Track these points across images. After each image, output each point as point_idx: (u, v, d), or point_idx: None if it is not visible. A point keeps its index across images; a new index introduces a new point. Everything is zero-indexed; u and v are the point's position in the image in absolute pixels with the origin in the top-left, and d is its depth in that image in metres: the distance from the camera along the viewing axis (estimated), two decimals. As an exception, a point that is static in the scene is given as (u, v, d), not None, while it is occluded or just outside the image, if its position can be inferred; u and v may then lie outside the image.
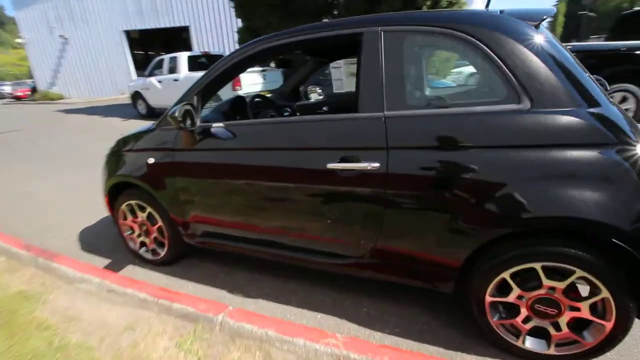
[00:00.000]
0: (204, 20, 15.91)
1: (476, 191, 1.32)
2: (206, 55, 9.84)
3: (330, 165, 1.52)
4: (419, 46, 1.46)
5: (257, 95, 2.44)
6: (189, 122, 1.76)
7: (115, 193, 2.30)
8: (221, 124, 1.80)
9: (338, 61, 2.86)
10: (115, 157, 2.28)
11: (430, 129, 1.38)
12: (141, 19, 17.03)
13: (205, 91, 1.87)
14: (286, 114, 2.73)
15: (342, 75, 2.85)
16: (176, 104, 1.86)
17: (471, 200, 1.33)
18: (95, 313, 1.79)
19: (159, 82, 9.34)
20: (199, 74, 9.10)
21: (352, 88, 2.97)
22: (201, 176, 1.89)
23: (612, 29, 6.33)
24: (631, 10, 6.50)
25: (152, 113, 9.88)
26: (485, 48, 1.32)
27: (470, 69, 10.55)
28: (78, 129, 8.75)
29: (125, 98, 12.73)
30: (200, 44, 16.12)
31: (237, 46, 12.66)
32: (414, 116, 1.42)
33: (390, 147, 1.43)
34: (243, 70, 1.93)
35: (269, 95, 3.00)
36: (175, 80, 8.89)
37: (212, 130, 1.81)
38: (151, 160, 2.01)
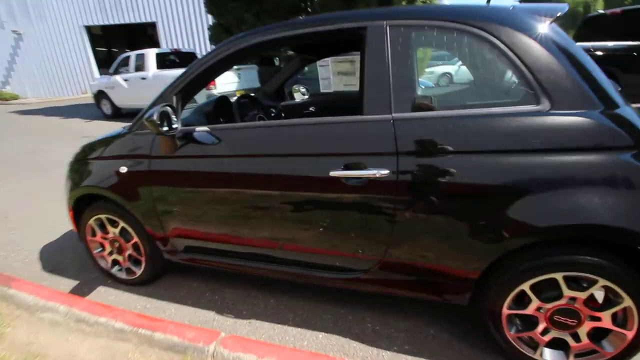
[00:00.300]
0: (172, 16, 15.23)
1: (495, 198, 1.23)
2: (176, 52, 9.37)
3: (334, 173, 1.37)
4: (426, 42, 1.35)
5: (243, 95, 2.25)
6: (168, 125, 1.55)
7: (81, 206, 2.04)
8: (206, 128, 1.61)
9: (325, 59, 2.71)
10: (81, 166, 2.03)
11: (443, 131, 1.27)
12: (103, 14, 16.07)
13: (185, 91, 1.67)
14: (272, 114, 2.55)
15: (330, 73, 2.72)
16: (151, 105, 1.65)
17: (491, 208, 1.23)
18: (62, 347, 1.55)
19: (125, 80, 8.80)
20: (169, 72, 8.72)
21: (340, 87, 2.85)
22: (183, 186, 1.69)
23: (577, 31, 6.59)
24: (594, 14, 6.80)
25: (118, 113, 9.34)
26: (503, 46, 1.23)
27: (443, 69, 10.81)
28: (34, 131, 8.08)
29: (88, 97, 11.96)
30: (169, 41, 15.43)
31: (208, 43, 12.26)
32: (425, 118, 1.30)
33: (400, 152, 1.31)
34: (228, 67, 1.74)
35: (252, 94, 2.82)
36: (143, 78, 8.41)
37: (196, 134, 1.62)
38: (124, 169, 1.78)
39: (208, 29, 10.47)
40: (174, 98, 1.65)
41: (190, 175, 1.65)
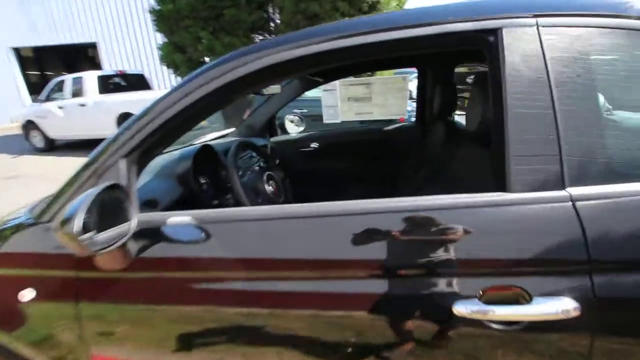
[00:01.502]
0: (115, 36, 13.92)
1: None
2: (122, 75, 8.31)
3: (463, 310, 0.70)
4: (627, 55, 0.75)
5: (243, 143, 1.48)
6: (106, 224, 0.78)
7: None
8: (186, 218, 0.85)
9: (333, 82, 2.08)
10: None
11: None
12: (34, 35, 14.37)
13: (147, 148, 0.91)
14: (263, 163, 1.80)
15: (337, 100, 2.09)
16: (68, 186, 0.88)
17: None
18: None
19: (60, 108, 7.56)
20: (113, 97, 7.60)
21: (351, 117, 2.21)
22: (146, 327, 0.91)
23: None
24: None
25: (52, 146, 8.01)
26: None
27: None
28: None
29: (17, 128, 10.31)
30: (112, 62, 14.05)
31: (158, 64, 11.18)
32: None
33: (595, 261, 0.67)
34: (231, 100, 0.99)
35: (225, 131, 2.11)
36: (82, 105, 7.25)
37: (168, 230, 0.86)
38: (28, 295, 0.96)
39: (158, 48, 9.49)
40: (123, 164, 0.87)
41: (159, 309, 0.88)
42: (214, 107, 0.98)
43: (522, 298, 0.69)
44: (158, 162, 1.34)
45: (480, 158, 1.10)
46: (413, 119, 2.30)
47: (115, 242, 0.77)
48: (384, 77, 2.49)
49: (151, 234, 0.87)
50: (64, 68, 17.86)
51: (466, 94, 2.92)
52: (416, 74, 2.12)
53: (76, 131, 7.46)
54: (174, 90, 0.90)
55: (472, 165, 1.16)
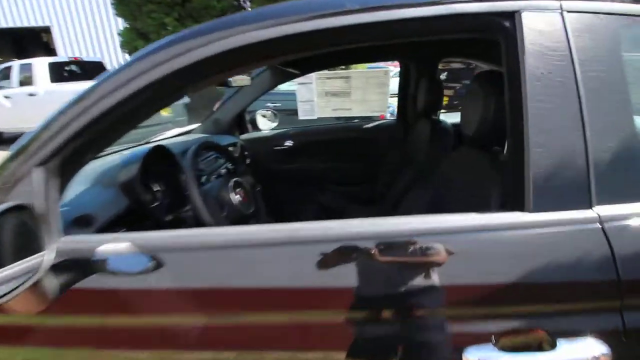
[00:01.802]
0: (71, 19, 12.90)
1: None
2: (77, 62, 7.67)
3: (475, 358, 0.57)
4: None
5: (205, 144, 1.26)
6: (9, 261, 0.58)
7: None
8: (124, 244, 0.66)
9: (309, 75, 1.91)
10: None
11: None
12: (-22, 16, 13.08)
13: (75, 152, 0.68)
14: (230, 165, 1.59)
15: (314, 95, 1.93)
16: None
17: None
18: None
19: (6, 97, 6.88)
20: (67, 86, 7.01)
21: (328, 113, 2.05)
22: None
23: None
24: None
25: (-1, 139, 7.31)
26: None
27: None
28: None
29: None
30: (69, 48, 13.05)
31: (119, 51, 10.47)
32: None
33: (628, 294, 0.57)
34: (190, 89, 0.78)
35: (188, 129, 1.90)
36: (32, 95, 6.62)
37: (100, 259, 0.67)
38: None
39: (118, 34, 8.87)
40: (38, 175, 0.66)
41: (94, 355, 0.69)
42: (166, 99, 0.78)
43: (544, 342, 0.57)
44: (96, 166, 1.12)
45: (477, 160, 0.99)
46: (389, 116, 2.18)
47: (18, 287, 0.57)
48: (365, 70, 2.34)
49: (77, 265, 0.67)
50: (14, 54, 16.38)
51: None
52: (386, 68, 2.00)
53: (26, 123, 6.78)
54: (113, 74, 0.69)
55: (467, 167, 1.04)
